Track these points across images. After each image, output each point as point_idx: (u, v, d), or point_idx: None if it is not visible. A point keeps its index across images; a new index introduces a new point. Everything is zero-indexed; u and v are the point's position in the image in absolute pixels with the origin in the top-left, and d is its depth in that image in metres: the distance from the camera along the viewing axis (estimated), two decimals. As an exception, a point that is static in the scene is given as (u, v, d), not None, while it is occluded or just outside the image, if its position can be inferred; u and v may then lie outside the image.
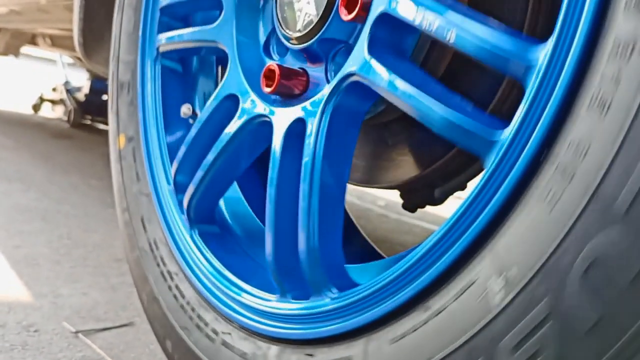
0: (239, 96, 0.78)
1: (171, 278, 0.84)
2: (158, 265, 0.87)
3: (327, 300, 0.62)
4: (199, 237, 0.84)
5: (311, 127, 0.65)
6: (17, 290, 1.18)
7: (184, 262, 0.82)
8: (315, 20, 0.69)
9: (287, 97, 0.73)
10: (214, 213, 0.85)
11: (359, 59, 0.61)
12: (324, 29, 0.68)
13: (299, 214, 0.64)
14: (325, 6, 0.68)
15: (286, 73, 0.71)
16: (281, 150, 0.67)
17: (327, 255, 0.62)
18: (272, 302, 0.68)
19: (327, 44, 0.69)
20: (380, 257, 0.84)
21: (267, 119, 0.72)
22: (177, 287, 0.81)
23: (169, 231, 0.86)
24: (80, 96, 4.26)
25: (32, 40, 3.28)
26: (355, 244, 0.89)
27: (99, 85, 4.23)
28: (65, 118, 4.23)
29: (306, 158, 0.64)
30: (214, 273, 0.78)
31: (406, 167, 0.77)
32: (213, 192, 0.82)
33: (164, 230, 0.87)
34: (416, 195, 0.80)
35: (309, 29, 0.70)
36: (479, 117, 0.52)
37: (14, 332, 1.01)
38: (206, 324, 0.76)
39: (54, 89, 4.54)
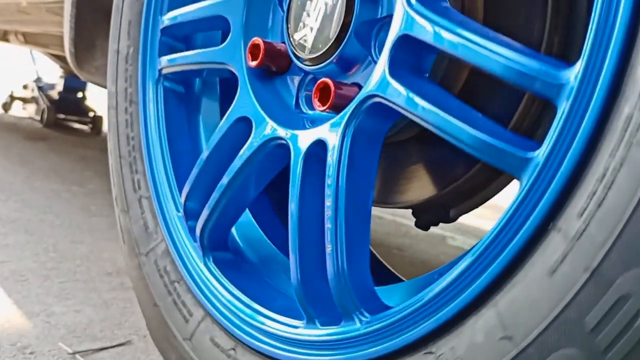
0: (252, 119, 0.78)
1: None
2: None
3: (359, 325, 0.63)
4: (213, 265, 0.85)
5: (333, 148, 0.65)
6: (7, 310, 1.17)
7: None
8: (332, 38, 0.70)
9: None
10: (228, 239, 0.86)
11: (381, 80, 0.62)
12: (341, 46, 0.69)
13: (325, 237, 0.64)
14: (341, 27, 0.69)
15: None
16: (301, 173, 0.68)
17: (356, 278, 0.64)
18: (299, 329, 0.69)
19: (345, 63, 0.70)
20: (395, 277, 0.86)
21: (284, 141, 0.72)
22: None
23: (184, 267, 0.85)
24: (54, 94, 4.22)
25: (4, 37, 3.24)
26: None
27: (73, 82, 4.20)
28: (38, 117, 4.18)
29: (329, 180, 0.64)
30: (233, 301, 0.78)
31: (422, 187, 0.79)
32: (228, 217, 0.83)
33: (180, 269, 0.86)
34: (430, 215, 0.82)
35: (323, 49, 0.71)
36: (512, 138, 0.53)
37: (9, 355, 1.01)
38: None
39: (24, 87, 4.49)
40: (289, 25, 0.76)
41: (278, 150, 0.75)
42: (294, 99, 0.80)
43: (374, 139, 0.67)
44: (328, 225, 0.65)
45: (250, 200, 0.84)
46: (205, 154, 0.83)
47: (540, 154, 0.50)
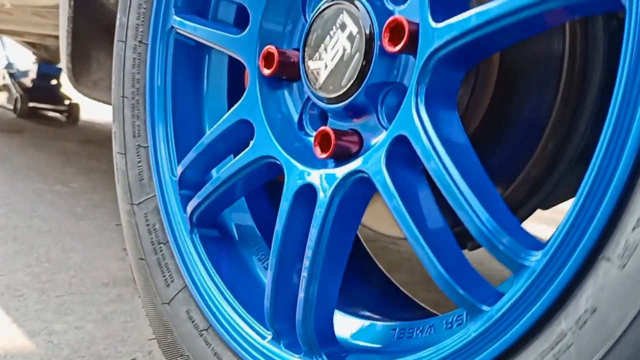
0: (254, 126, 0.84)
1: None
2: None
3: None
4: (199, 241, 0.94)
5: (320, 203, 0.72)
6: (8, 329, 1.19)
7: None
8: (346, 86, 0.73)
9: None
10: (217, 219, 0.96)
11: (377, 168, 0.68)
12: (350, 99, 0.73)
13: (300, 284, 0.73)
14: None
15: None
16: (290, 205, 0.76)
17: (321, 325, 0.74)
18: (266, 341, 0.80)
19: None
20: (400, 292, 0.90)
21: (279, 163, 0.79)
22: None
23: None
24: (27, 82, 4.16)
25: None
26: (374, 281, 0.94)
27: (46, 69, 4.14)
28: (10, 106, 4.13)
29: (313, 230, 0.72)
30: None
31: None
32: (220, 205, 0.92)
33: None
34: None
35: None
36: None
37: (18, 380, 1.03)
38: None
39: (-6, 74, 4.42)
40: (306, 47, 0.78)
41: (273, 167, 0.81)
42: (298, 115, 0.84)
43: (360, 203, 0.73)
44: (304, 273, 0.73)
45: (243, 195, 0.93)
46: (205, 140, 0.90)
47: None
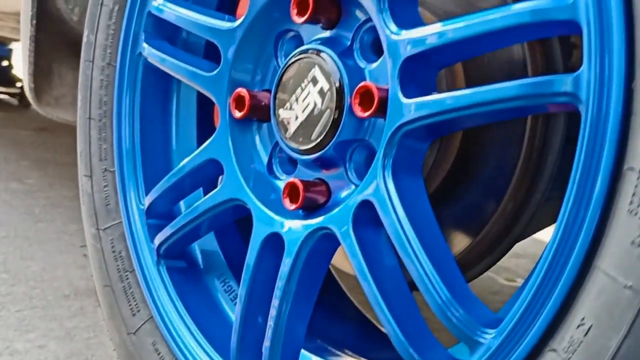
0: (225, 169, 0.87)
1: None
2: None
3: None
4: (165, 272, 0.97)
5: (287, 253, 0.76)
6: (-32, 350, 1.20)
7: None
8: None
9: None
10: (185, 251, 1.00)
11: (345, 229, 0.72)
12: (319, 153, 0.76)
13: (266, 333, 0.78)
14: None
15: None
16: (258, 254, 0.80)
17: None
18: None
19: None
20: (376, 329, 0.94)
21: (247, 208, 0.83)
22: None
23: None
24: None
25: None
26: (347, 318, 0.98)
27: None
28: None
29: (279, 283, 0.76)
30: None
31: None
32: (188, 239, 0.96)
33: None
34: None
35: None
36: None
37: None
38: None
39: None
40: (277, 94, 0.81)
41: (241, 208, 0.85)
42: (268, 157, 0.87)
43: (328, 255, 0.77)
44: (270, 322, 0.77)
45: (211, 231, 0.96)
46: (173, 176, 0.92)
47: None
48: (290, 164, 0.85)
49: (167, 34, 1.00)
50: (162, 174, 1.00)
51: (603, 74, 0.50)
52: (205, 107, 1.03)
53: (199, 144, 1.03)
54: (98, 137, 1.07)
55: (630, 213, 0.48)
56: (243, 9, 0.99)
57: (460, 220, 0.80)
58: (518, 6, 0.55)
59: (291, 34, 0.85)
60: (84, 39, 1.10)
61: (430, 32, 0.63)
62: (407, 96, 0.65)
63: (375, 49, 0.75)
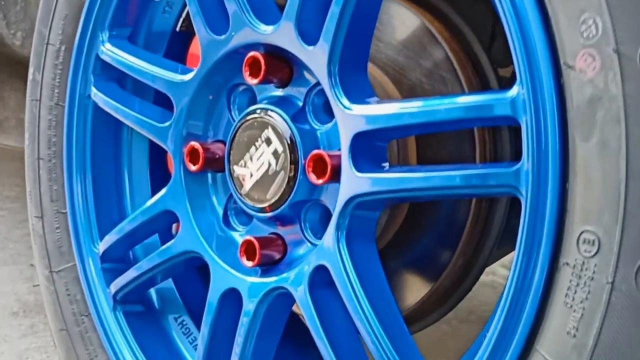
0: (179, 217, 0.90)
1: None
2: None
3: None
4: (122, 317, 0.99)
5: (246, 313, 0.80)
6: None
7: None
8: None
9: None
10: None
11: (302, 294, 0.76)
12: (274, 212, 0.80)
13: None
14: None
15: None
16: (217, 307, 0.83)
17: None
18: None
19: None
20: None
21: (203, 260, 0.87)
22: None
23: None
24: None
25: None
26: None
27: None
28: None
29: (239, 338, 0.80)
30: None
31: None
32: (145, 286, 0.98)
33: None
34: None
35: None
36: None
37: None
38: None
39: None
40: (232, 149, 0.84)
41: (198, 259, 0.88)
42: (223, 209, 0.90)
43: (286, 310, 0.81)
44: None
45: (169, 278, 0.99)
46: (128, 225, 0.95)
47: None
48: (246, 215, 0.89)
49: (116, 75, 1.01)
50: (116, 217, 1.02)
51: (540, 171, 0.55)
52: (157, 148, 1.06)
53: (152, 186, 1.06)
54: (48, 178, 1.08)
55: (566, 305, 0.54)
56: (194, 57, 1.02)
57: (416, 274, 0.86)
58: (462, 99, 0.60)
59: (243, 87, 0.88)
60: (30, 76, 1.11)
61: (382, 112, 0.67)
62: (360, 170, 0.69)
63: (327, 110, 0.79)
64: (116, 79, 1.02)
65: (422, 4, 0.84)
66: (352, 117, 0.69)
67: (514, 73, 0.57)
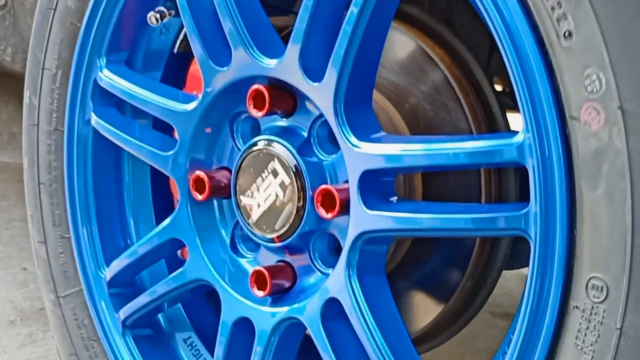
0: (187, 245, 0.92)
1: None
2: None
3: None
4: (132, 341, 1.02)
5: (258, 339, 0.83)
6: None
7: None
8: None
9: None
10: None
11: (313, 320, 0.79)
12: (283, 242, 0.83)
13: None
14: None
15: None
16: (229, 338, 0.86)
17: None
18: None
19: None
20: None
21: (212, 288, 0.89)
22: None
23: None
24: None
25: None
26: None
27: None
28: None
29: None
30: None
31: None
32: (153, 311, 1.01)
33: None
34: None
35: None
36: None
37: None
38: None
39: None
40: (238, 179, 0.86)
41: (207, 287, 0.91)
42: (230, 236, 0.93)
43: (298, 337, 0.85)
44: None
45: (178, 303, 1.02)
46: (132, 254, 0.97)
47: None
48: (254, 242, 0.91)
49: (115, 100, 1.03)
50: (120, 242, 1.05)
51: (548, 215, 0.58)
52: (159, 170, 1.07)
53: (155, 209, 1.08)
54: (50, 203, 1.09)
55: (577, 347, 0.57)
56: (194, 78, 1.04)
57: (423, 295, 0.89)
58: (469, 144, 0.63)
59: (246, 115, 0.90)
60: (26, 99, 1.12)
61: (390, 152, 0.70)
62: (369, 206, 0.72)
63: (331, 140, 0.81)
64: (115, 104, 1.03)
65: (423, 29, 0.86)
66: (360, 155, 0.72)
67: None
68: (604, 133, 0.54)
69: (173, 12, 0.99)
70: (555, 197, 0.58)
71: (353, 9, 0.70)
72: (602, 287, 0.55)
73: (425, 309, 0.89)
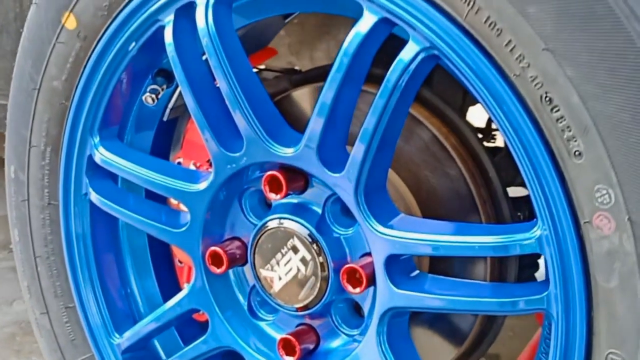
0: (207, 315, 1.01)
1: None
2: None
3: None
4: None
5: None
6: None
7: None
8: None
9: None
10: None
11: None
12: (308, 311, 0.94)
13: None
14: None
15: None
16: None
17: None
18: None
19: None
20: None
21: None
22: None
23: None
24: None
25: None
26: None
27: None
28: None
29: None
30: None
31: None
32: None
33: None
34: None
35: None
36: None
37: None
38: None
39: None
40: (255, 254, 0.96)
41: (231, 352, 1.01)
42: (247, 301, 1.03)
43: None
44: None
45: None
46: (146, 327, 1.06)
47: None
48: (271, 306, 1.01)
49: (110, 172, 1.10)
50: (126, 307, 1.13)
51: (567, 297, 0.72)
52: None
53: (155, 269, 1.17)
54: (49, 275, 1.16)
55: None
56: (191, 144, 1.12)
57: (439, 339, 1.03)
58: (493, 238, 0.75)
59: (253, 188, 0.99)
60: (11, 175, 1.17)
61: (413, 238, 0.82)
62: (397, 285, 0.84)
63: (345, 213, 0.92)
64: (110, 176, 1.10)
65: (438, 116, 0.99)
66: (385, 240, 0.84)
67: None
68: (615, 237, 0.67)
69: (165, 85, 1.07)
70: (573, 283, 0.71)
71: (379, 101, 0.79)
72: (619, 361, 0.69)
73: (440, 353, 1.03)
